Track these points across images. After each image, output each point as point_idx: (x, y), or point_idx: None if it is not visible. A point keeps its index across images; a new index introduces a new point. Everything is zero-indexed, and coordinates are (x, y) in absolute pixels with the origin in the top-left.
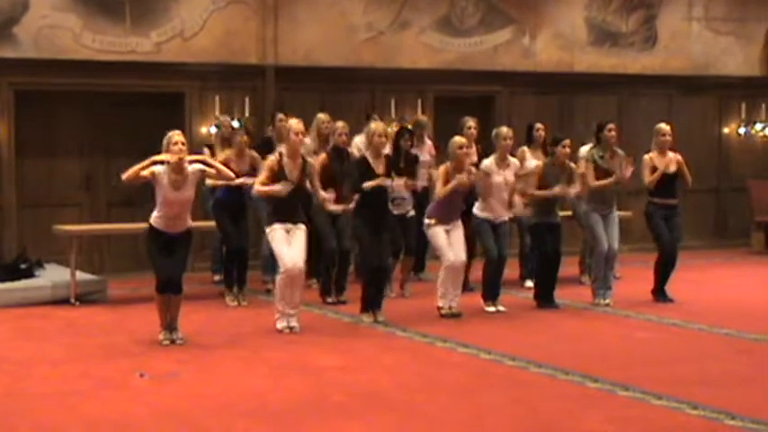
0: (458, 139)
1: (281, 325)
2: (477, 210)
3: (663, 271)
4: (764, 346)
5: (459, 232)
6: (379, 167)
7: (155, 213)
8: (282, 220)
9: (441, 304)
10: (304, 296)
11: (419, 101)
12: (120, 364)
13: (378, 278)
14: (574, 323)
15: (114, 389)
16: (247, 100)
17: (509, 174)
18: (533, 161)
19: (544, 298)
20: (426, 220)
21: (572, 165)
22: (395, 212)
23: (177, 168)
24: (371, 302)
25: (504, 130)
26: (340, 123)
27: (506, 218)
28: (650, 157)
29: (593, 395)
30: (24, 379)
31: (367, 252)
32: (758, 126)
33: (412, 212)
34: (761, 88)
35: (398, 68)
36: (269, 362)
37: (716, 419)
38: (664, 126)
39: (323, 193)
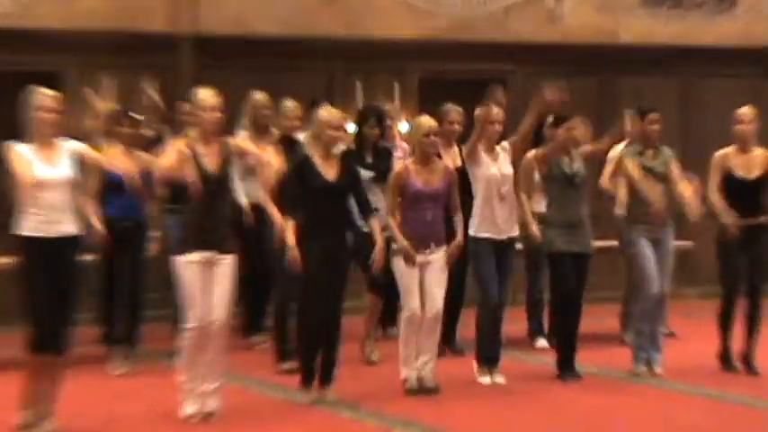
0: (424, 121)
1: (190, 409)
2: (472, 228)
3: (727, 325)
4: None
5: (437, 265)
6: (330, 172)
7: (21, 216)
8: (199, 246)
9: (405, 375)
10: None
11: (396, 84)
12: None
13: (325, 335)
14: (598, 401)
15: None
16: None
17: (504, 165)
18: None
19: (566, 364)
20: (394, 245)
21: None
22: (365, 230)
23: (44, 140)
24: (313, 371)
25: (494, 110)
26: (289, 104)
27: (514, 234)
28: (724, 154)
29: None
30: None
31: (311, 296)
32: None
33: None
34: None
35: (367, 38)
36: None
37: None
38: (743, 111)
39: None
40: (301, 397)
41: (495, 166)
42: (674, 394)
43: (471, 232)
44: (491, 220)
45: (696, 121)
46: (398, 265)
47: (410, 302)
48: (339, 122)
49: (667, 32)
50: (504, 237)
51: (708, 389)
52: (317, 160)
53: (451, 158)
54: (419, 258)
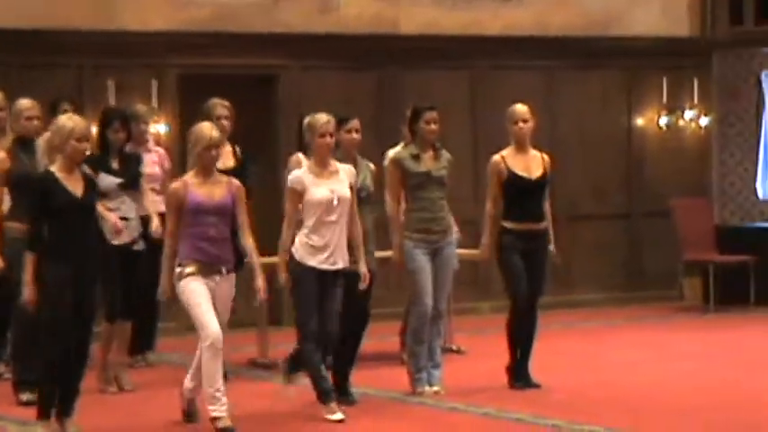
0: (205, 133)
1: None
2: (295, 251)
3: (519, 339)
4: None
5: (227, 287)
6: (77, 187)
7: None
8: None
9: (216, 414)
10: None
11: (154, 82)
12: None
13: (65, 362)
14: (364, 425)
15: None
16: None
17: (339, 185)
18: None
19: (339, 386)
20: (177, 268)
21: (369, 163)
22: (114, 242)
23: None
24: (52, 402)
25: (322, 118)
26: (24, 102)
27: (343, 265)
28: (501, 157)
29: None
30: None
31: (55, 321)
32: (688, 114)
33: (141, 244)
34: (691, 57)
35: (119, 32)
36: None
37: None
38: (519, 108)
39: None
40: (40, 430)
41: (327, 186)
42: (448, 414)
43: (294, 254)
44: (315, 249)
45: (486, 117)
46: (188, 287)
47: (210, 327)
48: (85, 132)
49: (454, 22)
50: (333, 268)
51: (487, 407)
52: (60, 174)
53: (222, 160)
54: (209, 280)
